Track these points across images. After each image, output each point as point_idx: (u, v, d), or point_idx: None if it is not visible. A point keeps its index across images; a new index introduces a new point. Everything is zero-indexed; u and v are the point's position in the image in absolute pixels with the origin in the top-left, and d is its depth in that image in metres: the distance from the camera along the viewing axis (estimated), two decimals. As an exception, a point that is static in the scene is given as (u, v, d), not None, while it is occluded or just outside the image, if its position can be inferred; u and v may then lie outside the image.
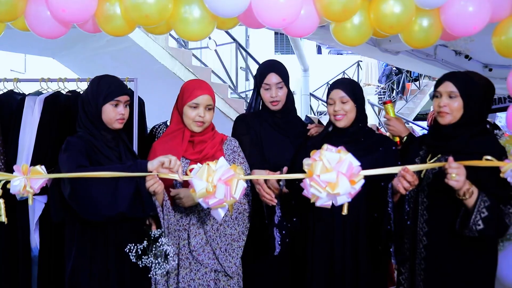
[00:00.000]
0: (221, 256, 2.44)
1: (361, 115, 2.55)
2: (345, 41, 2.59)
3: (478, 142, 2.30)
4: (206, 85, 2.55)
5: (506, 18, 2.55)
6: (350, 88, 2.55)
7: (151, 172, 2.10)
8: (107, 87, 2.37)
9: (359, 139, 2.53)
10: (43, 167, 2.13)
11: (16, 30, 2.59)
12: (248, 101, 2.98)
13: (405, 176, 2.15)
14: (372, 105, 10.45)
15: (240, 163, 2.56)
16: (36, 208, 3.14)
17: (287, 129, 2.79)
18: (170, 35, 7.22)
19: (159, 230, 2.28)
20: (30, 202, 2.09)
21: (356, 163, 1.96)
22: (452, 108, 2.31)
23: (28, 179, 2.05)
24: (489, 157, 2.07)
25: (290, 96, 2.82)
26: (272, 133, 2.76)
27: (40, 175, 2.08)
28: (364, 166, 2.03)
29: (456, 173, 2.08)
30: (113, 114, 2.37)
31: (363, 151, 2.45)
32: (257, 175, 2.46)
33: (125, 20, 2.39)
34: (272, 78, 2.72)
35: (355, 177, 1.93)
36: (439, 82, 2.39)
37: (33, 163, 3.12)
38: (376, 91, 13.35)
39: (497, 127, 2.89)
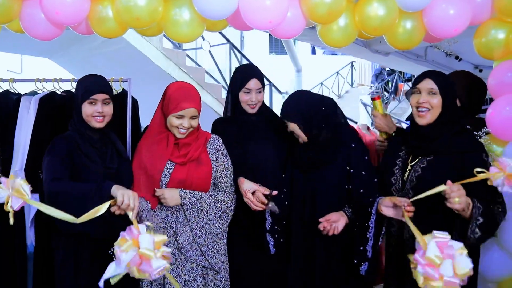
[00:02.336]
0: (208, 253, 2.52)
1: (313, 130, 2.50)
2: (331, 42, 2.67)
3: (457, 141, 2.31)
4: (193, 96, 2.53)
5: (486, 21, 2.64)
6: (295, 108, 2.53)
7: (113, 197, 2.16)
8: (85, 86, 2.46)
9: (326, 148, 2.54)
10: (26, 186, 2.11)
11: (12, 31, 2.66)
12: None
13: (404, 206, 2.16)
14: (365, 105, 10.53)
15: (223, 162, 2.61)
16: (32, 205, 3.19)
17: (266, 130, 2.83)
18: (164, 36, 7.28)
19: None
20: (11, 220, 2.08)
21: None
22: (432, 104, 2.31)
23: (10, 196, 2.06)
24: (479, 169, 2.08)
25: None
26: (251, 133, 2.81)
27: (21, 196, 2.07)
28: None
29: (458, 196, 2.05)
30: (90, 111, 2.44)
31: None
32: (247, 186, 2.54)
33: (117, 22, 2.46)
34: (254, 84, 2.78)
35: None
36: (418, 79, 2.39)
37: (29, 162, 3.19)
38: (370, 91, 13.43)
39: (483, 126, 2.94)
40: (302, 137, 2.50)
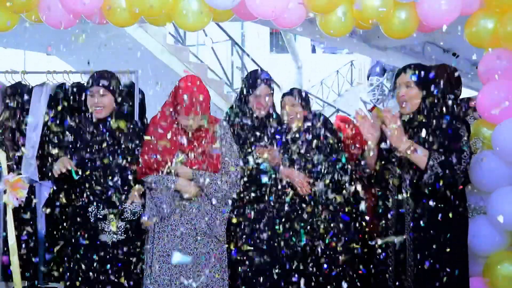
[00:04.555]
0: (212, 224, 2.71)
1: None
2: (330, 32, 2.82)
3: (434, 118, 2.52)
4: (201, 103, 2.61)
5: (475, 11, 2.80)
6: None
7: None
8: (88, 81, 2.80)
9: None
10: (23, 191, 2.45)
11: (18, 28, 2.84)
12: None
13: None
14: (365, 102, 10.69)
15: (226, 149, 2.77)
16: (43, 193, 3.34)
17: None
18: (169, 32, 7.45)
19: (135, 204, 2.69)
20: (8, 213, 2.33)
21: None
22: (410, 96, 2.53)
23: (9, 191, 2.29)
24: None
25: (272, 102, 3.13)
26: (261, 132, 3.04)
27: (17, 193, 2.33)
28: None
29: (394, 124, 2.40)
30: (90, 103, 2.76)
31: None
32: (295, 175, 2.90)
33: (129, 12, 2.62)
34: (262, 89, 3.00)
35: None
36: (397, 74, 2.63)
37: (40, 150, 3.35)
38: (370, 87, 13.50)
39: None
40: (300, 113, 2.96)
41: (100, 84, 2.73)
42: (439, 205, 2.51)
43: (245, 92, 3.04)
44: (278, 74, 11.05)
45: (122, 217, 2.70)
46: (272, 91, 3.04)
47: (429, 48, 5.81)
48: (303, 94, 3.05)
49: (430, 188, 2.47)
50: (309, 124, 2.98)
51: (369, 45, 5.58)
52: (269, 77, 3.05)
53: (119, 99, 2.84)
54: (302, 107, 3.00)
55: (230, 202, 2.79)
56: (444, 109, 2.52)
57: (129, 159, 2.76)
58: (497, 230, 2.74)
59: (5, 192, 2.35)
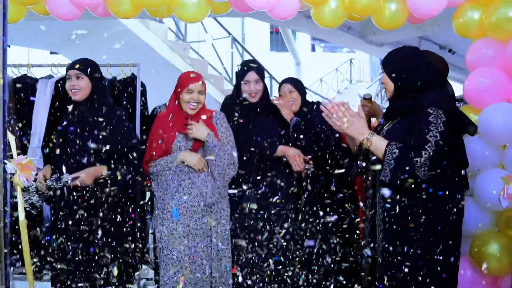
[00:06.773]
0: (211, 190, 2.85)
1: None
2: (323, 23, 2.95)
3: (408, 103, 2.37)
4: (198, 75, 2.95)
5: (463, 3, 2.92)
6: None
7: None
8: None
9: None
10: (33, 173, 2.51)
11: (24, 25, 2.95)
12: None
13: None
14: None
15: (221, 133, 2.91)
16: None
17: (266, 112, 3.19)
18: (169, 28, 7.57)
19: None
20: (19, 196, 2.47)
21: None
22: (384, 82, 2.47)
23: (20, 172, 2.43)
24: None
25: (265, 89, 3.23)
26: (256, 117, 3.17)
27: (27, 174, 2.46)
28: None
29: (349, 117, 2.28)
30: (67, 86, 2.83)
31: None
32: (294, 151, 3.04)
33: (131, 4, 2.75)
34: (252, 76, 3.12)
35: None
36: None
37: (45, 140, 3.48)
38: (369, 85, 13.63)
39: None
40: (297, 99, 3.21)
41: (76, 67, 2.81)
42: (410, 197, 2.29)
43: (237, 82, 3.19)
44: (278, 72, 11.20)
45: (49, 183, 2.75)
46: (261, 78, 3.15)
47: (424, 45, 5.92)
48: (299, 82, 3.28)
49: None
50: (305, 108, 3.18)
51: (365, 41, 5.70)
52: (257, 64, 3.18)
53: (98, 84, 2.88)
54: (298, 93, 3.22)
55: (228, 178, 2.91)
56: (413, 95, 2.36)
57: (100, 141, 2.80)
58: (483, 211, 2.85)
59: (12, 174, 2.47)
